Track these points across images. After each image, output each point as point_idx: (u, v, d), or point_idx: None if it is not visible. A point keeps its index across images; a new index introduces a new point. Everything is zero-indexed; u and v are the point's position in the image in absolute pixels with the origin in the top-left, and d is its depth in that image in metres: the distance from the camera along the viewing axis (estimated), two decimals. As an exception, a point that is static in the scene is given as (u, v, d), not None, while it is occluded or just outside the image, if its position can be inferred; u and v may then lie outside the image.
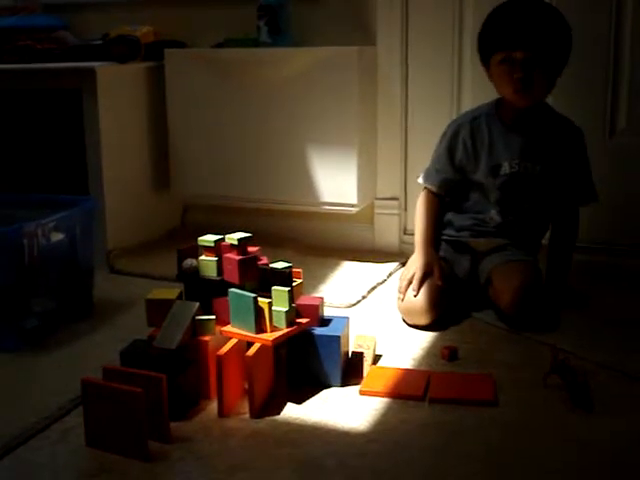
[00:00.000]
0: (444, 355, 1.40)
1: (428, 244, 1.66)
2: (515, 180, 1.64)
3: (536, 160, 1.63)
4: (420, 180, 1.74)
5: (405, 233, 2.10)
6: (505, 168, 1.63)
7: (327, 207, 2.03)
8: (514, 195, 1.65)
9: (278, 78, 2.01)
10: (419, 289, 1.56)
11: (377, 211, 2.12)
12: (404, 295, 1.58)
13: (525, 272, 1.57)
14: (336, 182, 1.99)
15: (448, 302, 1.60)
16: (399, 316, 1.61)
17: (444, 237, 1.71)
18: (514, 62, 1.55)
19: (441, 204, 1.73)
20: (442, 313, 1.58)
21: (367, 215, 2.12)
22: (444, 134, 1.71)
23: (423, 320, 1.55)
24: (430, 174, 1.72)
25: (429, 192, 1.72)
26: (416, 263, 1.62)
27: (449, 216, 1.73)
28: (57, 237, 1.59)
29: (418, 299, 1.55)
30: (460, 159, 1.67)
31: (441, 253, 1.69)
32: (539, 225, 1.71)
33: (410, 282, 1.58)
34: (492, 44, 1.60)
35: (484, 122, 1.66)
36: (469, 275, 1.68)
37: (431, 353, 1.43)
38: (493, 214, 1.67)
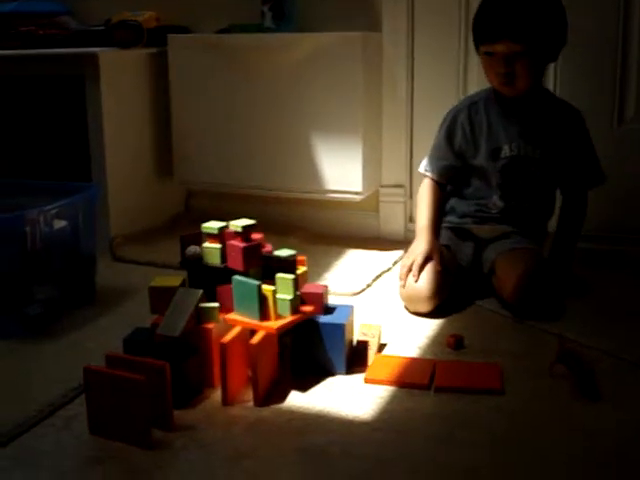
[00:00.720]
0: (450, 344, 1.39)
1: (429, 231, 1.65)
2: (515, 163, 1.63)
3: (536, 144, 1.62)
4: (421, 169, 1.73)
5: (410, 221, 2.09)
6: (505, 151, 1.62)
7: (332, 195, 2.02)
8: (515, 179, 1.64)
9: (282, 64, 1.99)
10: (419, 275, 1.55)
11: (382, 199, 2.11)
12: (405, 282, 1.57)
13: (528, 261, 1.55)
14: (341, 169, 1.98)
15: (451, 290, 1.59)
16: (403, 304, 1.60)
17: (447, 224, 1.71)
18: (496, 55, 1.55)
19: (442, 192, 1.72)
20: (444, 300, 1.57)
21: (372, 203, 2.11)
22: (443, 121, 1.71)
23: (425, 307, 1.54)
24: (431, 162, 1.71)
25: (430, 180, 1.71)
26: (416, 250, 1.61)
27: (452, 203, 1.72)
28: (60, 224, 1.58)
29: (420, 286, 1.54)
30: (460, 144, 1.67)
31: (444, 241, 1.68)
32: (543, 211, 1.69)
33: (410, 269, 1.57)
34: (476, 37, 1.60)
35: (482, 107, 1.65)
36: (472, 263, 1.67)
37: (436, 341, 1.42)
38: (495, 199, 1.65)
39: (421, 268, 1.56)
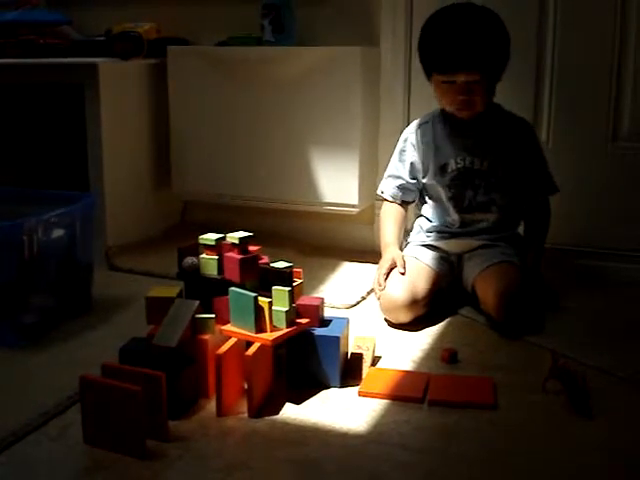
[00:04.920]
0: (444, 357, 1.40)
1: (392, 244, 1.70)
2: (463, 176, 1.66)
3: (484, 155, 1.65)
4: (378, 191, 1.79)
5: (405, 234, 2.10)
6: (451, 165, 1.66)
7: (328, 207, 2.03)
8: (464, 191, 1.67)
9: (281, 77, 2.00)
10: (385, 282, 1.58)
11: (378, 212, 2.12)
12: (379, 296, 1.60)
13: (504, 278, 1.55)
14: (337, 182, 1.99)
15: (432, 301, 1.61)
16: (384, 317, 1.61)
17: (417, 243, 1.73)
18: (455, 84, 1.57)
19: (403, 209, 1.76)
20: (432, 312, 1.59)
21: (368, 216, 2.12)
22: (396, 145, 1.76)
23: (404, 316, 1.55)
24: (385, 184, 1.77)
25: (385, 200, 1.77)
26: (382, 263, 1.65)
27: (419, 222, 1.76)
28: (57, 233, 1.58)
29: (395, 294, 1.55)
30: (412, 165, 1.72)
31: (414, 254, 1.68)
32: (505, 221, 1.70)
33: (380, 282, 1.61)
34: (433, 65, 1.60)
35: (430, 127, 1.71)
36: (448, 275, 1.68)
37: (430, 355, 1.43)
38: (452, 214, 1.69)
39: (386, 275, 1.60)
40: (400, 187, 1.74)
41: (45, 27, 2.21)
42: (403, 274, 1.59)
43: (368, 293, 1.78)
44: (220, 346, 1.21)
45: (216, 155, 2.13)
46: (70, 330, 1.54)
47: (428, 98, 2.02)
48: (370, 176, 2.06)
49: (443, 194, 1.69)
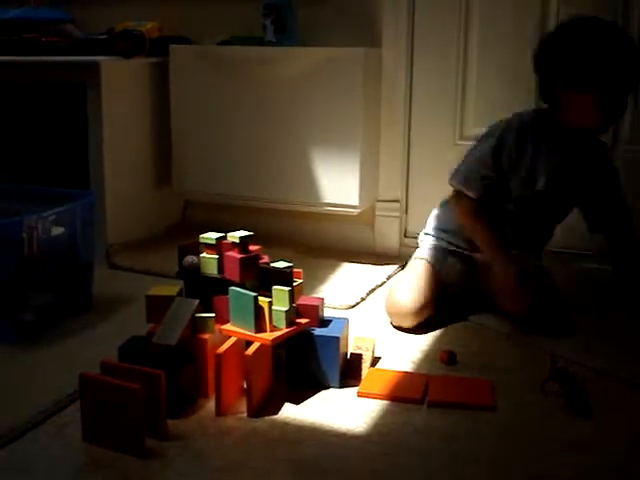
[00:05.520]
0: (443, 359, 1.40)
1: (503, 247, 1.59)
2: (542, 196, 1.60)
3: (570, 177, 1.60)
4: (456, 183, 1.62)
5: (405, 236, 2.10)
6: (541, 182, 1.59)
7: (328, 208, 2.03)
8: (536, 211, 1.62)
9: (283, 77, 2.00)
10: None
11: (378, 213, 2.12)
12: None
13: (536, 279, 1.56)
14: (338, 183, 1.99)
15: (441, 306, 1.60)
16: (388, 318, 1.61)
17: (440, 243, 1.69)
18: (601, 101, 1.47)
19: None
20: (437, 316, 1.58)
21: (368, 217, 2.12)
22: (487, 136, 1.61)
23: (408, 322, 1.55)
24: (470, 179, 1.60)
25: (467, 197, 1.61)
26: (510, 269, 1.54)
27: (439, 225, 1.71)
28: (57, 231, 1.58)
29: (404, 302, 1.55)
30: (504, 166, 1.59)
31: (430, 259, 1.65)
32: (546, 235, 1.70)
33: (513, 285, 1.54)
34: (584, 81, 1.46)
35: (531, 134, 1.58)
36: (464, 280, 1.67)
37: (430, 357, 1.43)
38: (506, 227, 1.63)
39: (519, 287, 1.52)
40: (487, 186, 1.59)
41: (47, 25, 2.21)
42: (424, 288, 1.57)
43: (368, 294, 1.78)
44: (220, 345, 1.21)
45: (217, 154, 2.13)
46: (70, 328, 1.54)
47: (429, 98, 2.03)
48: (371, 177, 2.06)
49: (509, 207, 1.61)
